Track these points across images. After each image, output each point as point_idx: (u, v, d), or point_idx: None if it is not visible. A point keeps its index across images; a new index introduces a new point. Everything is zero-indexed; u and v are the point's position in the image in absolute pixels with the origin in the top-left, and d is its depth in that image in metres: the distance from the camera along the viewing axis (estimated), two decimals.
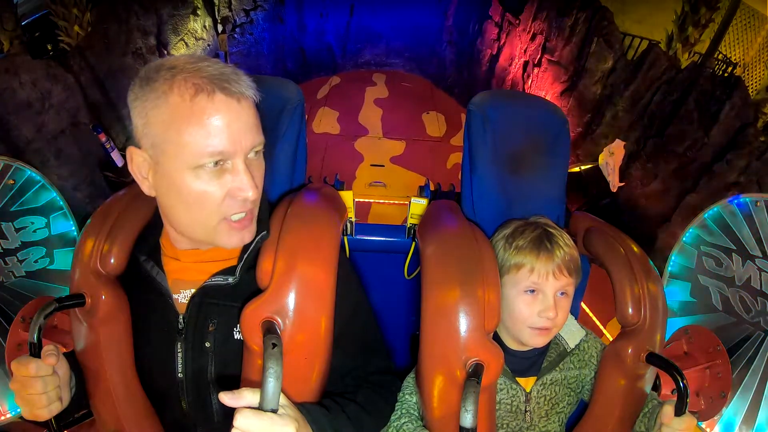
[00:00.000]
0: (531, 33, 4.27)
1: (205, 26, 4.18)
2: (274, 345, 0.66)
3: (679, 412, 0.85)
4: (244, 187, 0.75)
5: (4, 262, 1.46)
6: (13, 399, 0.83)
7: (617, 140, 3.20)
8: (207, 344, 0.85)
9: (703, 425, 1.39)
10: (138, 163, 0.78)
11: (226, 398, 0.65)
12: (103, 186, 3.11)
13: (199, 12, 4.07)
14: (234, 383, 0.83)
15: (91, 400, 0.92)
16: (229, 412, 0.63)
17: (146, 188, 0.80)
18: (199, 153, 0.72)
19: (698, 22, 3.35)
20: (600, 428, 0.99)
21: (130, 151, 0.78)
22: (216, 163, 0.74)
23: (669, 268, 1.60)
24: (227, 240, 0.80)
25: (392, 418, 0.96)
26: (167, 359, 0.87)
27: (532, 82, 4.27)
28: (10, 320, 1.36)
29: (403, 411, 0.97)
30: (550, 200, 1.20)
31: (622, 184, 3.18)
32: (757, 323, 1.37)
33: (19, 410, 1.37)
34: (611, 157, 3.07)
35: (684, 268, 1.56)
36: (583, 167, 3.45)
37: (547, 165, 1.19)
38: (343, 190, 1.30)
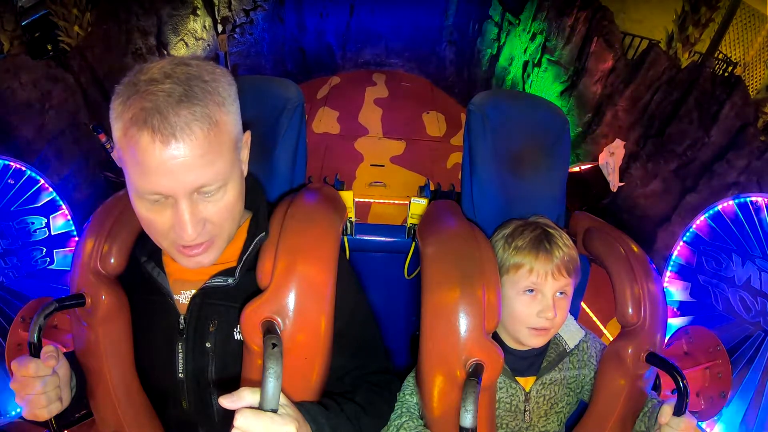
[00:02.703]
0: (531, 33, 4.27)
1: (205, 26, 4.18)
2: (274, 345, 0.66)
3: (678, 412, 0.85)
4: (183, 224, 0.71)
5: (4, 262, 1.46)
6: (13, 399, 0.84)
7: (617, 140, 3.20)
8: (208, 344, 0.85)
9: (703, 425, 1.39)
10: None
11: (226, 402, 0.64)
12: (103, 186, 3.11)
13: (198, 12, 4.07)
14: (234, 383, 0.83)
15: (91, 400, 0.92)
16: (230, 413, 0.63)
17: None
18: (137, 186, 0.70)
19: (698, 22, 3.35)
20: (600, 428, 0.99)
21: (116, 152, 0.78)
22: (155, 199, 0.71)
23: (669, 268, 1.61)
24: (182, 261, 0.79)
25: (392, 417, 0.97)
26: (168, 359, 0.87)
27: (532, 82, 4.27)
28: (10, 320, 1.36)
29: (404, 410, 0.97)
30: (550, 200, 1.19)
31: (622, 184, 3.18)
32: (757, 323, 1.37)
33: (19, 410, 1.38)
34: (611, 157, 3.07)
35: (684, 268, 1.56)
36: (583, 167, 3.45)
37: (547, 165, 1.19)
38: (343, 190, 1.30)
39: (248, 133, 0.83)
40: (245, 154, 0.82)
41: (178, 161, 0.67)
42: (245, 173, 0.83)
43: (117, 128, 0.69)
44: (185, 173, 0.68)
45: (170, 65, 0.70)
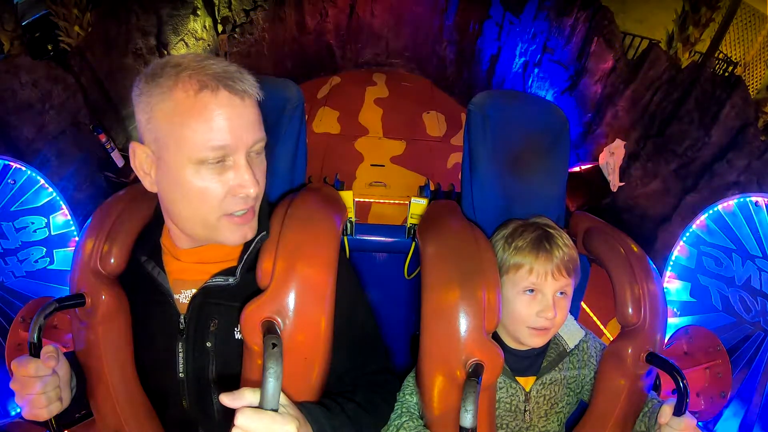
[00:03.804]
0: (531, 33, 4.26)
1: (205, 26, 4.18)
2: (274, 345, 0.66)
3: (678, 412, 0.85)
4: (246, 183, 0.76)
5: (4, 262, 1.46)
6: (13, 399, 0.84)
7: (617, 140, 3.21)
8: (208, 344, 0.85)
9: (703, 425, 1.39)
10: (140, 159, 0.78)
11: (227, 399, 0.65)
12: (103, 186, 3.11)
13: (199, 12, 4.07)
14: (234, 383, 0.84)
15: (91, 400, 0.92)
16: (230, 412, 0.63)
17: (148, 184, 0.80)
18: (201, 147, 0.73)
19: (699, 22, 3.34)
20: (600, 428, 0.99)
21: (133, 146, 0.78)
22: (217, 160, 0.74)
23: (669, 268, 1.61)
24: (229, 236, 0.81)
25: (392, 417, 0.97)
26: (168, 359, 0.87)
27: (532, 82, 4.27)
28: (10, 320, 1.36)
29: (404, 410, 0.97)
30: (550, 200, 1.19)
31: (622, 184, 3.18)
32: (757, 323, 1.37)
33: (19, 410, 1.38)
34: (611, 157, 3.07)
35: (684, 268, 1.56)
36: (583, 167, 3.45)
37: (547, 165, 1.19)
38: (343, 190, 1.30)
39: None
40: None
41: (244, 118, 0.76)
42: None
43: (170, 102, 0.73)
44: (249, 129, 0.76)
45: (204, 55, 0.77)
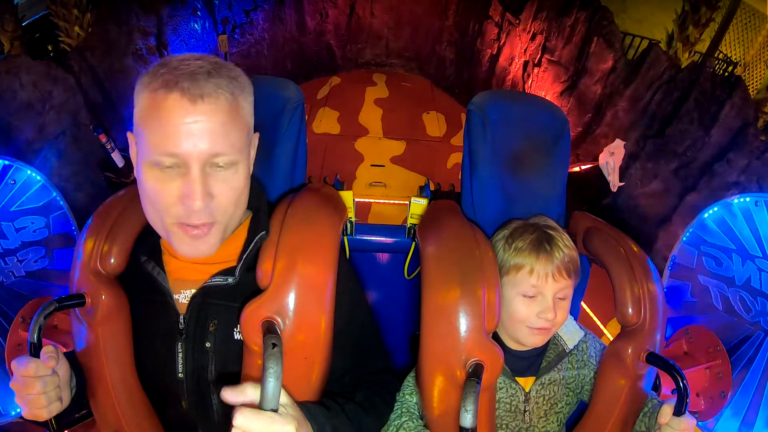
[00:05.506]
0: (531, 33, 4.26)
1: (205, 27, 4.18)
2: (274, 345, 0.66)
3: (678, 412, 0.85)
4: (191, 194, 0.72)
5: (4, 262, 1.46)
6: (13, 399, 0.84)
7: (617, 140, 3.21)
8: (208, 344, 0.85)
9: (703, 425, 1.39)
10: (132, 149, 0.81)
11: (229, 395, 0.65)
12: (104, 186, 3.11)
13: (199, 13, 4.07)
14: (234, 383, 0.83)
15: (91, 400, 0.92)
16: (230, 412, 0.63)
17: (135, 173, 0.81)
18: (154, 150, 0.72)
19: (698, 22, 3.34)
20: (600, 428, 0.99)
21: (130, 136, 0.81)
22: (171, 165, 0.72)
23: (669, 268, 1.61)
24: (180, 246, 0.78)
25: (392, 417, 0.97)
26: (168, 359, 0.87)
27: (532, 82, 4.27)
28: (10, 320, 1.36)
29: (404, 410, 0.97)
30: (550, 200, 1.20)
31: (622, 184, 3.18)
32: (757, 323, 1.37)
33: (19, 410, 1.38)
34: (611, 157, 3.07)
35: (684, 268, 1.56)
36: (583, 167, 3.45)
37: (547, 165, 1.19)
38: (343, 190, 1.30)
39: (257, 135, 0.85)
40: (253, 154, 0.84)
41: (200, 124, 0.70)
42: (251, 171, 0.83)
43: (142, 98, 0.73)
44: (204, 137, 0.71)
45: (197, 55, 0.75)
